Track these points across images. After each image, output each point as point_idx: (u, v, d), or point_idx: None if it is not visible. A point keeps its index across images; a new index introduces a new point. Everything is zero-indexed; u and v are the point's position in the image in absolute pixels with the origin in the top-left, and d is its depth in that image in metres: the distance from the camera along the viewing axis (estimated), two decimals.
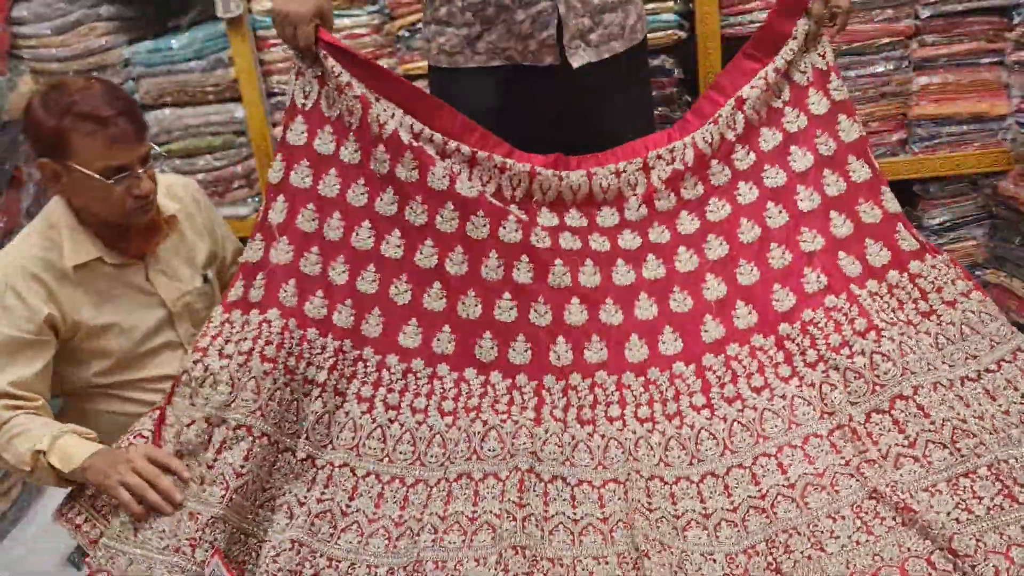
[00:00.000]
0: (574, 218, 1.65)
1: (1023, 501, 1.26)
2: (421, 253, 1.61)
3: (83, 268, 1.65)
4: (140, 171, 1.60)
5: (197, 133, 2.51)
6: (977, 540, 1.22)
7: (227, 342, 1.56)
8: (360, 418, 1.58)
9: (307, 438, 1.55)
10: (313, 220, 1.64)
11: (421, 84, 2.14)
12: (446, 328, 1.62)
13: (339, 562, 1.41)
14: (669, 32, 2.28)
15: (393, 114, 1.60)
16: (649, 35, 2.27)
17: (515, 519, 1.39)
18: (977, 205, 2.37)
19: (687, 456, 1.49)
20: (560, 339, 1.61)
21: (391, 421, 1.58)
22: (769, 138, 1.63)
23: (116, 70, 2.48)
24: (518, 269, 1.60)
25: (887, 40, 2.24)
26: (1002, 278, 2.28)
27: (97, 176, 1.56)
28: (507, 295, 1.60)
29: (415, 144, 1.58)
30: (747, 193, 1.63)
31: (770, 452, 1.45)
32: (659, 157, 1.64)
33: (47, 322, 1.61)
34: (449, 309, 1.62)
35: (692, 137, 1.63)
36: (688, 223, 1.64)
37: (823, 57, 1.63)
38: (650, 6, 2.28)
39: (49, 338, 1.62)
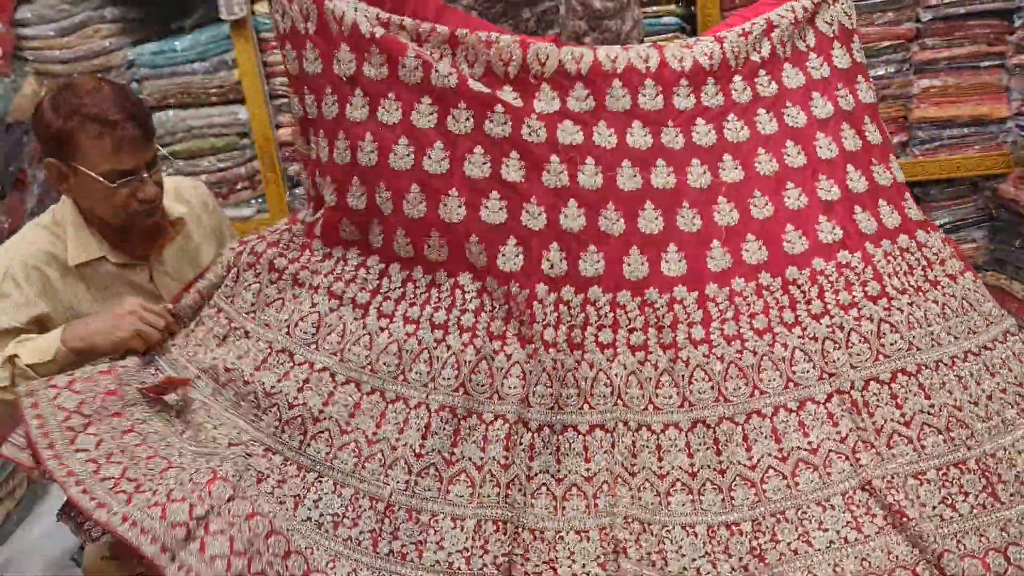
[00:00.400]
0: (579, 97, 1.47)
1: (1004, 500, 1.28)
2: (395, 154, 1.43)
3: (86, 266, 1.67)
4: (146, 175, 1.61)
5: (200, 135, 2.52)
6: (958, 541, 1.24)
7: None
8: (351, 323, 1.45)
9: (288, 333, 1.45)
10: (310, 142, 1.53)
11: None
12: (434, 233, 1.44)
13: (307, 471, 1.34)
14: (670, 35, 2.29)
15: (353, 6, 1.44)
16: (650, 38, 2.30)
17: (498, 484, 1.32)
18: (977, 207, 2.38)
19: (678, 397, 1.40)
20: (554, 245, 1.44)
21: (381, 330, 1.44)
22: (792, 76, 1.55)
23: (120, 72, 2.49)
24: (507, 166, 1.44)
25: (888, 43, 2.25)
26: (1002, 280, 2.29)
27: (101, 179, 1.57)
28: (495, 194, 1.44)
29: (381, 34, 1.42)
30: (767, 124, 1.53)
31: (765, 412, 1.39)
32: (682, 46, 1.53)
33: (36, 319, 1.61)
34: (431, 212, 1.45)
35: (719, 38, 1.52)
36: (704, 134, 1.51)
37: (849, 17, 1.59)
38: (652, 9, 2.29)
39: (35, 330, 1.61)
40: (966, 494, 1.29)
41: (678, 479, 1.34)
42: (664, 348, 1.43)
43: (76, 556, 1.54)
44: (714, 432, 1.37)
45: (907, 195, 1.57)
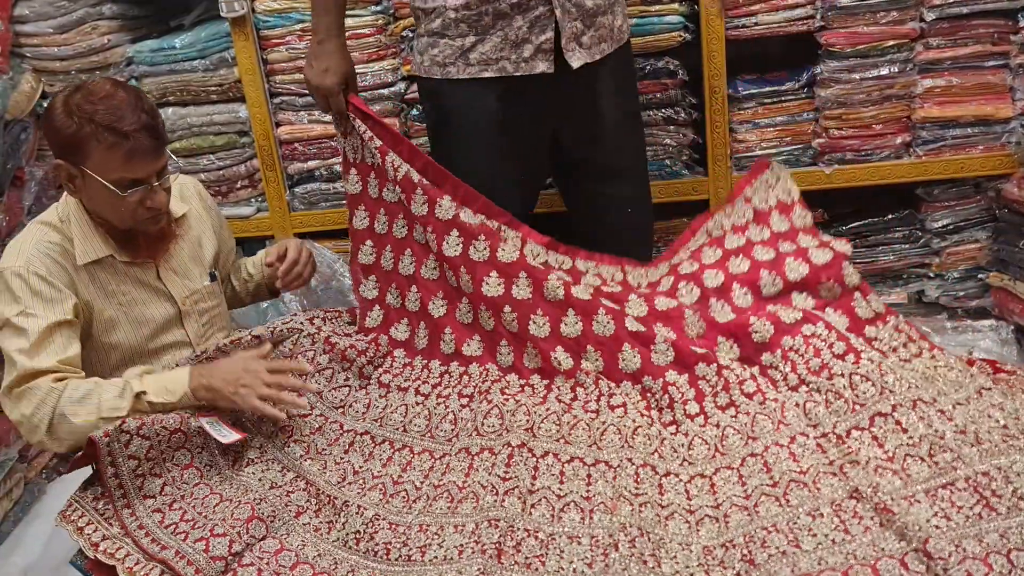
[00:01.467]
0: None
1: (1002, 512, 1.27)
2: (426, 267, 1.84)
3: (95, 264, 1.66)
4: (155, 184, 1.60)
5: (200, 132, 2.50)
6: (955, 545, 1.23)
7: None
8: (391, 396, 1.76)
9: (342, 411, 1.73)
10: (371, 254, 1.91)
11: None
12: (476, 337, 1.80)
13: (334, 498, 1.52)
14: (674, 34, 2.28)
15: (406, 166, 1.82)
16: (654, 37, 2.29)
17: (497, 492, 1.47)
18: (980, 208, 2.37)
19: (678, 458, 1.54)
20: (559, 348, 1.72)
21: (417, 404, 1.73)
22: (734, 240, 1.79)
23: (119, 69, 2.48)
24: (517, 286, 1.74)
25: (892, 42, 2.24)
26: (1005, 281, 2.28)
27: (111, 187, 1.55)
28: (507, 308, 1.74)
29: (424, 182, 1.79)
30: (713, 278, 1.76)
31: (757, 452, 1.49)
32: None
33: (73, 305, 1.61)
34: (450, 314, 1.82)
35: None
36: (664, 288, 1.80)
37: (788, 193, 1.81)
38: (656, 8, 2.28)
39: (78, 320, 1.63)
40: (959, 508, 1.29)
41: (676, 511, 1.43)
42: (664, 425, 1.61)
43: (76, 560, 1.53)
44: (711, 480, 1.47)
45: (857, 294, 1.69)
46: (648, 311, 1.72)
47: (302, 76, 2.40)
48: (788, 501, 1.39)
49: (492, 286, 1.74)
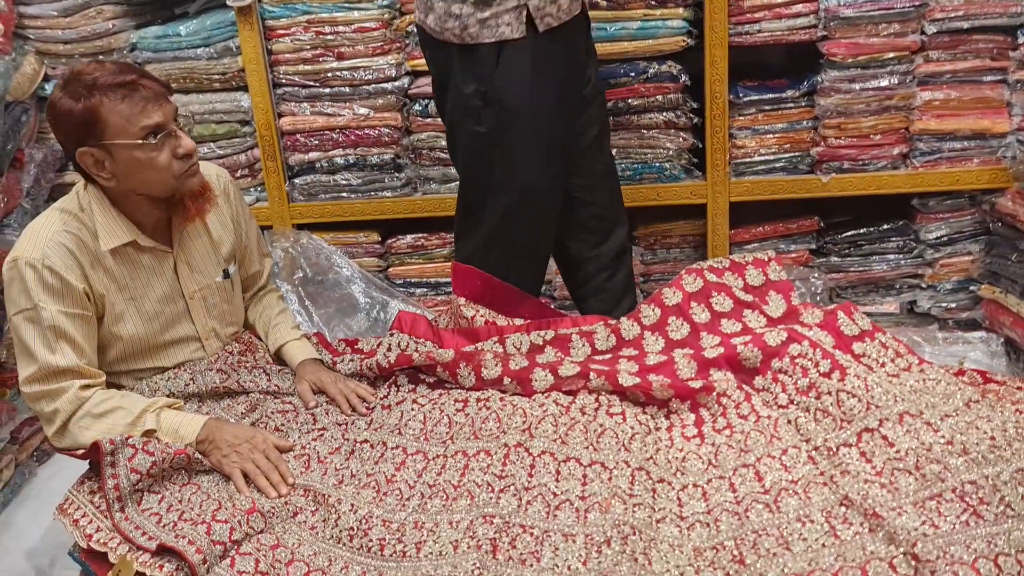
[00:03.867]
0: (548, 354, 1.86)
1: (989, 519, 1.28)
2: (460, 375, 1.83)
3: (116, 252, 1.66)
4: (175, 128, 1.61)
5: (202, 120, 2.51)
6: (943, 551, 1.24)
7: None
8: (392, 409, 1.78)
9: (344, 428, 1.74)
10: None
11: (427, 80, 2.15)
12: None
13: (328, 496, 1.53)
14: (678, 38, 2.30)
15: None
16: (657, 40, 2.31)
17: (493, 490, 1.48)
18: (975, 220, 2.39)
19: (672, 468, 1.56)
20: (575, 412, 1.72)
21: (413, 409, 1.74)
22: (699, 312, 1.83)
23: (122, 54, 2.47)
24: (505, 389, 1.79)
25: (893, 54, 2.26)
26: (996, 293, 2.31)
27: (139, 140, 1.55)
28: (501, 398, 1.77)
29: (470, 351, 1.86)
30: (700, 313, 1.83)
31: (750, 463, 1.52)
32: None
33: (86, 296, 1.62)
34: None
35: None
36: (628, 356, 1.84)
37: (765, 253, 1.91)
38: (660, 12, 2.29)
39: (92, 312, 1.64)
40: (946, 517, 1.30)
41: (668, 516, 1.45)
42: (660, 437, 1.64)
43: (72, 551, 1.54)
44: (703, 488, 1.49)
45: (840, 314, 1.75)
46: (639, 368, 1.74)
47: (306, 67, 2.43)
48: (779, 507, 1.41)
49: (485, 396, 1.76)
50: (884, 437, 1.45)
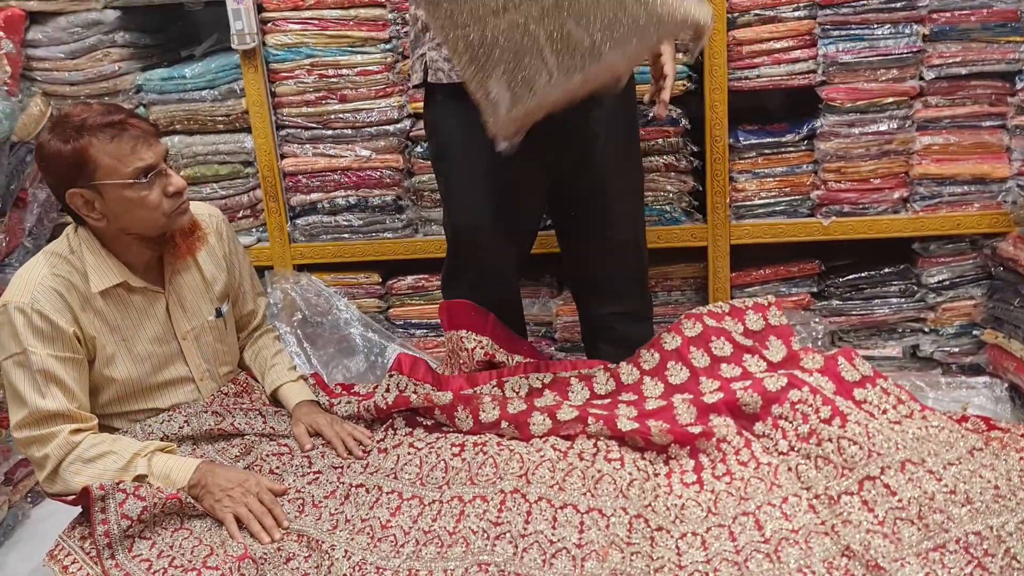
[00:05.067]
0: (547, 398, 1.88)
1: (994, 571, 1.27)
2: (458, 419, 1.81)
3: (106, 294, 1.65)
4: (164, 167, 1.61)
5: (205, 161, 2.52)
6: None
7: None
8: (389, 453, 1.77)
9: (340, 471, 1.73)
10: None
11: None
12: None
13: (321, 543, 1.51)
14: (678, 83, 2.32)
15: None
16: None
17: (488, 537, 1.46)
18: (976, 265, 2.39)
19: (671, 516, 1.55)
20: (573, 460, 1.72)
21: (409, 453, 1.73)
22: (699, 356, 1.83)
23: (128, 96, 2.50)
24: (503, 434, 1.78)
25: (892, 99, 2.28)
26: (1000, 339, 2.29)
27: (130, 181, 1.56)
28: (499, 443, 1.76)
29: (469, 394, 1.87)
30: (699, 358, 1.84)
31: (750, 511, 1.50)
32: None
33: (76, 339, 1.62)
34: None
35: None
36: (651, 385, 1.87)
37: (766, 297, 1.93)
38: None
39: (82, 356, 1.64)
40: (949, 569, 1.29)
41: (666, 565, 1.43)
42: (659, 484, 1.63)
43: None
44: (702, 536, 1.47)
45: (841, 359, 1.75)
46: (638, 413, 1.74)
47: (309, 109, 2.45)
48: (779, 557, 1.39)
49: (482, 441, 1.75)
50: (886, 485, 1.44)
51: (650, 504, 1.54)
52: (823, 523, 1.43)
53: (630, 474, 1.59)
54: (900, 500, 1.40)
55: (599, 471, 1.59)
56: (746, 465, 1.61)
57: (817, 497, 1.48)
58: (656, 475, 1.63)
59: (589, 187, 1.97)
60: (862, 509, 1.42)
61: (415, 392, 1.85)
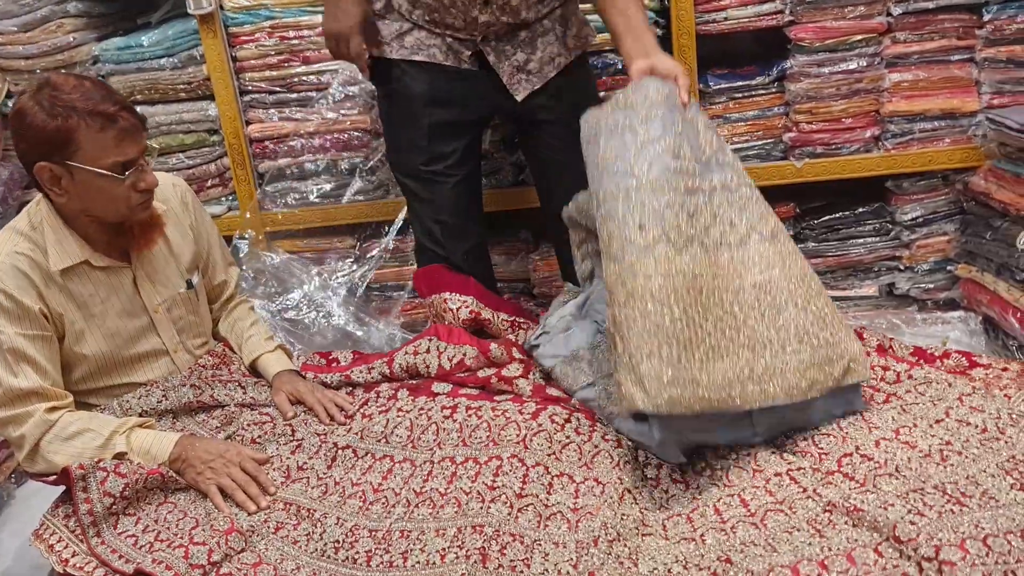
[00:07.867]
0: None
1: (972, 507, 1.28)
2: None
3: (68, 271, 1.63)
4: (143, 164, 1.59)
5: (169, 131, 2.48)
6: (929, 536, 1.23)
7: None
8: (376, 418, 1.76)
9: (322, 437, 1.72)
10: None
11: None
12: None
13: (312, 511, 1.51)
14: None
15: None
16: None
17: (483, 500, 1.46)
18: (948, 200, 2.39)
19: (656, 505, 1.53)
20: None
21: (399, 416, 1.72)
22: None
23: (85, 67, 2.44)
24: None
25: (860, 37, 2.26)
26: (973, 272, 2.31)
27: (108, 173, 1.53)
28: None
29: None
30: None
31: (734, 492, 1.49)
32: None
33: (44, 316, 1.60)
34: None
35: None
36: None
37: None
38: None
39: (51, 332, 1.62)
40: (930, 506, 1.30)
41: (655, 532, 1.44)
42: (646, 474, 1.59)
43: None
44: (687, 515, 1.47)
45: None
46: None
47: (272, 73, 2.40)
48: (765, 524, 1.39)
49: (474, 405, 1.73)
50: (864, 455, 1.45)
51: (639, 487, 1.54)
52: (804, 490, 1.43)
53: (623, 454, 1.59)
54: (878, 463, 1.42)
55: (595, 446, 1.59)
56: (726, 458, 1.58)
57: (800, 469, 1.48)
58: (646, 466, 1.61)
59: (556, 136, 1.98)
60: (845, 482, 1.42)
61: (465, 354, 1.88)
